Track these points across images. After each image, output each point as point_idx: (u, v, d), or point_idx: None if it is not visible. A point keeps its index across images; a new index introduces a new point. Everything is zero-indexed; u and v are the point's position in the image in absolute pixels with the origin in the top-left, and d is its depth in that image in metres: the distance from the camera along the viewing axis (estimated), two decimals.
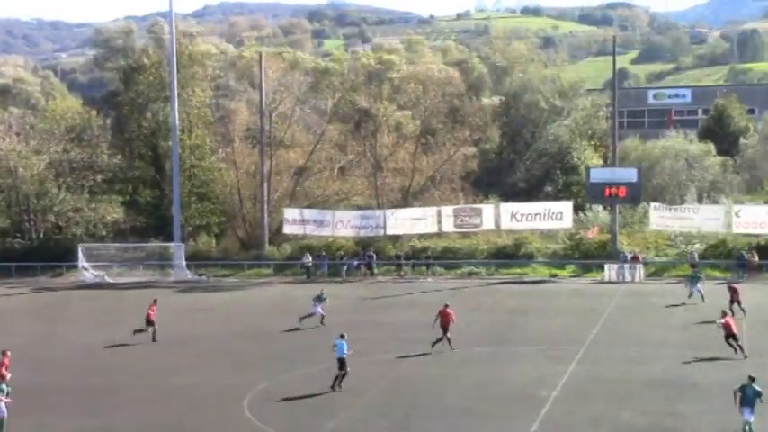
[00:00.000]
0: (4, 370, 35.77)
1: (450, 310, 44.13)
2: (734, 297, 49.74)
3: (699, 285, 54.27)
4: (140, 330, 47.72)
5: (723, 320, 41.35)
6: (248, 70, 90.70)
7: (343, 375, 36.94)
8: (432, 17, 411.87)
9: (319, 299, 51.13)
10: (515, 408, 33.98)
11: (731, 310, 48.40)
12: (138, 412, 34.95)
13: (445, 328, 43.45)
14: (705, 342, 44.06)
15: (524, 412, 33.36)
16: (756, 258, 65.28)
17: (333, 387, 36.69)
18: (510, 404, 34.45)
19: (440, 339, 43.20)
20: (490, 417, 33.10)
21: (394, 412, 33.99)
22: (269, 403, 35.44)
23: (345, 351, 37.06)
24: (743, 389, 30.16)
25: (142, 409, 35.36)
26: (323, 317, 50.35)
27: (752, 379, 30.48)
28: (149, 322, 47.85)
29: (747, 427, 29.74)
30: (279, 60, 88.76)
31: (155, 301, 49.65)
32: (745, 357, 40.26)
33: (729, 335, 40.82)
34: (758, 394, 29.91)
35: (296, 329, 49.91)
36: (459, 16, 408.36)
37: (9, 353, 36.63)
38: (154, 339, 47.58)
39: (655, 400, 34.29)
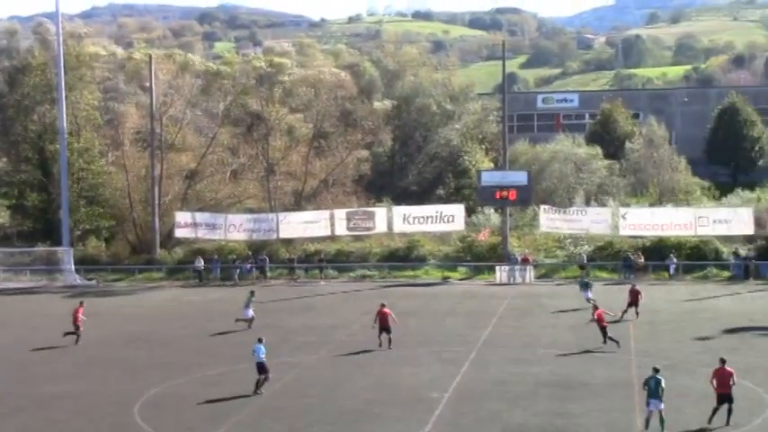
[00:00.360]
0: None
1: (387, 309, 44.83)
2: (633, 300, 50.72)
3: (589, 293, 54.14)
4: (70, 333, 47.46)
5: (596, 314, 43.90)
6: (138, 72, 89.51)
7: (265, 379, 36.92)
8: (323, 20, 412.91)
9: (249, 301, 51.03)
10: (408, 410, 34.17)
11: (626, 312, 49.89)
12: (15, 421, 34.15)
13: (385, 328, 44.23)
14: (594, 342, 44.95)
15: (417, 414, 33.59)
16: (642, 259, 66.86)
17: (255, 392, 36.64)
18: (403, 406, 34.63)
19: (384, 339, 44.30)
20: (383, 419, 33.24)
21: (288, 416, 33.90)
22: (161, 409, 35.05)
23: (262, 355, 37.05)
24: (647, 381, 31.45)
25: (20, 418, 34.57)
26: (252, 319, 50.51)
27: (656, 370, 31.70)
28: (76, 326, 47.57)
29: (659, 417, 30.94)
30: (169, 63, 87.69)
31: (81, 303, 49.29)
32: (604, 343, 42.88)
33: (602, 327, 43.35)
34: (659, 384, 31.07)
35: (189, 334, 49.45)
36: (350, 20, 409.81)
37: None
38: (77, 342, 47.44)
39: (545, 401, 34.83)
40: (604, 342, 43.18)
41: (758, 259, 66.07)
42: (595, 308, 44.74)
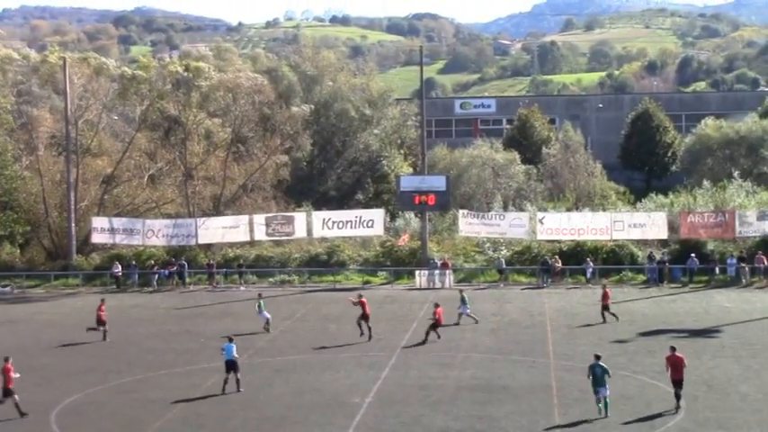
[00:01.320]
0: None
1: (364, 299, 47.90)
2: (604, 302, 51.42)
3: (467, 309, 52.65)
4: (93, 329, 48.81)
5: (437, 311, 47.09)
6: (52, 76, 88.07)
7: (237, 379, 37.50)
8: (240, 25, 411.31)
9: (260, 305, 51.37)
10: (330, 415, 34.17)
11: (603, 315, 50.52)
12: None
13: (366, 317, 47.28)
14: (513, 346, 45.50)
15: (339, 419, 33.62)
16: (559, 264, 67.59)
17: (239, 390, 37.31)
18: (324, 411, 34.62)
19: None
20: (305, 425, 33.19)
21: (209, 423, 33.69)
22: (78, 417, 34.59)
23: (234, 353, 37.69)
24: (592, 368, 33.22)
25: None
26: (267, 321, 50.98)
27: (597, 357, 33.79)
28: (101, 322, 48.69)
29: (603, 402, 32.76)
30: (84, 66, 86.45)
31: (102, 300, 51.09)
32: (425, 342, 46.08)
33: (437, 325, 46.88)
34: (605, 371, 33.19)
35: (106, 341, 48.81)
36: (268, 24, 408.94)
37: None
38: (104, 338, 48.70)
39: (466, 404, 35.07)
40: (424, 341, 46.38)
41: (672, 263, 67.22)
42: (437, 305, 48.01)
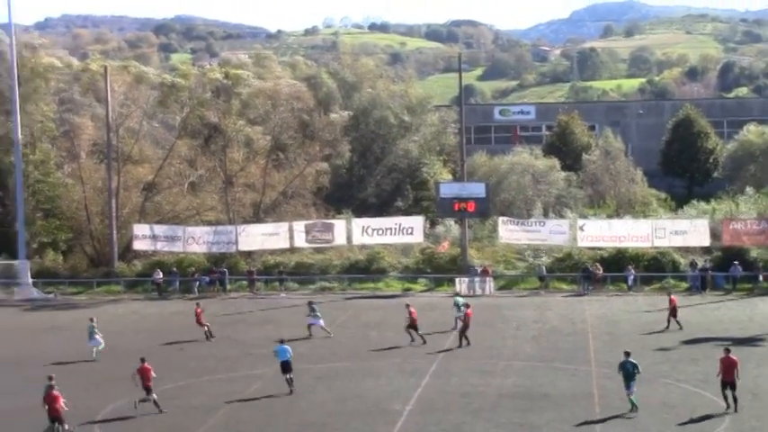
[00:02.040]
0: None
1: (413, 309, 48.46)
2: (671, 308, 51.16)
3: (459, 313, 51.84)
4: (208, 333, 51.28)
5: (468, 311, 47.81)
6: (94, 84, 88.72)
7: (289, 380, 38.34)
8: (280, 32, 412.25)
9: (313, 310, 51.79)
10: (371, 422, 34.17)
11: (668, 322, 50.18)
12: None
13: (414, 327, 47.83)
14: (555, 353, 45.29)
15: (380, 426, 33.62)
16: (600, 271, 67.17)
17: (292, 391, 38.10)
18: (366, 419, 34.61)
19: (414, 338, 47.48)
20: (346, 431, 33.21)
21: (250, 429, 33.80)
22: (121, 423, 34.80)
23: (289, 355, 38.54)
24: (623, 365, 34.14)
25: None
26: (310, 326, 51.50)
27: (627, 354, 34.64)
28: (201, 324, 51.09)
29: (632, 399, 33.65)
30: (125, 74, 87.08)
31: (198, 304, 53.37)
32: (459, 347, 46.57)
33: (466, 326, 47.35)
34: (635, 367, 34.21)
35: (149, 347, 49.02)
36: (307, 32, 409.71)
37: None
38: (209, 338, 51.20)
39: (507, 412, 34.94)
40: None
41: (714, 270, 66.66)
42: (467, 306, 49.09)
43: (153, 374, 36.46)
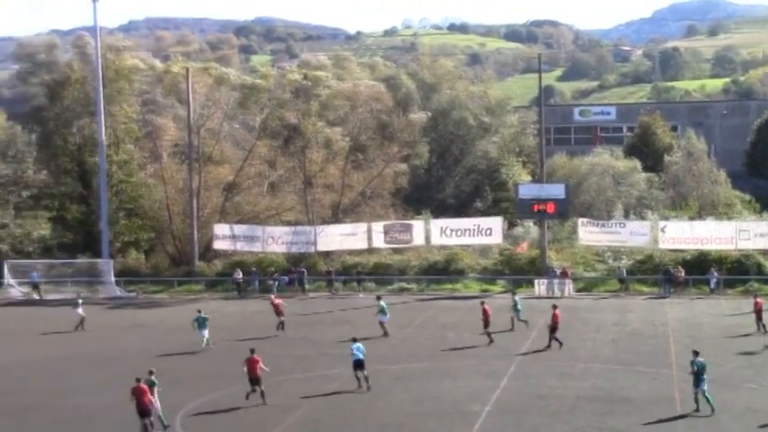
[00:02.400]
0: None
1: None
2: (757, 311, 50.42)
3: (515, 313, 53.23)
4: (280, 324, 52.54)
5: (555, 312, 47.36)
6: (176, 85, 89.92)
7: (365, 377, 38.89)
8: (359, 33, 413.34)
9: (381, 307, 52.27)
10: (449, 423, 34.04)
11: (758, 326, 49.39)
12: None
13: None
14: (635, 356, 44.72)
15: (458, 428, 33.49)
16: (682, 273, 66.24)
17: (369, 388, 38.70)
18: (443, 420, 34.50)
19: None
20: None
21: (327, 429, 33.89)
22: (201, 421, 35.12)
23: (362, 354, 38.88)
24: (693, 363, 34.36)
25: (65, 429, 34.83)
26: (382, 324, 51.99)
27: (696, 353, 34.79)
28: (279, 313, 52.43)
29: (704, 396, 34.00)
30: (206, 76, 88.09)
31: (273, 297, 55.37)
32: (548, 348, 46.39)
33: (554, 328, 46.95)
34: (704, 366, 34.43)
35: (229, 346, 49.50)
36: (386, 33, 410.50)
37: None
38: (280, 328, 53.03)
39: (586, 415, 34.57)
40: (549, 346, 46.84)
41: None
42: (555, 307, 48.14)
43: (261, 366, 37.30)
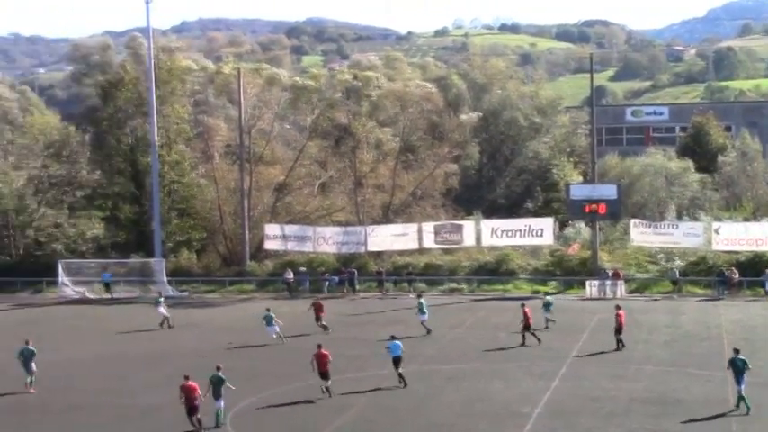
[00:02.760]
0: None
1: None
2: None
3: (547, 313, 53.75)
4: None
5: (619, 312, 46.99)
6: (227, 86, 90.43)
7: (400, 374, 39.57)
8: (410, 34, 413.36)
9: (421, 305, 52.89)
10: (499, 424, 33.94)
11: None
12: (116, 431, 34.81)
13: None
14: (688, 358, 44.29)
15: (508, 429, 33.39)
16: (736, 275, 65.44)
17: (405, 384, 39.38)
18: (494, 421, 34.40)
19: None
20: None
21: (378, 429, 33.91)
22: (253, 420, 35.26)
23: (400, 351, 39.75)
24: (733, 361, 34.72)
25: (120, 428, 35.15)
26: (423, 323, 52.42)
27: (737, 351, 35.22)
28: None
29: (742, 394, 34.30)
30: (257, 76, 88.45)
31: (315, 303, 54.32)
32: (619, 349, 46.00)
33: (619, 329, 46.61)
34: (745, 363, 34.90)
35: (280, 346, 49.72)
36: (437, 33, 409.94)
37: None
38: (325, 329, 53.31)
39: (639, 417, 34.30)
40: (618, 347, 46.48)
41: None
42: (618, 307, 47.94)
43: (330, 360, 38.36)
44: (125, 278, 74.47)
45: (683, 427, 33.02)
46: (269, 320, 51.43)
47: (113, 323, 59.57)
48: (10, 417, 36.87)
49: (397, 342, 40.00)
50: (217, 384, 34.73)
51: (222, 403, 34.67)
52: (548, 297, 55.55)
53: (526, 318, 48.54)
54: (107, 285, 71.87)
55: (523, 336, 48.36)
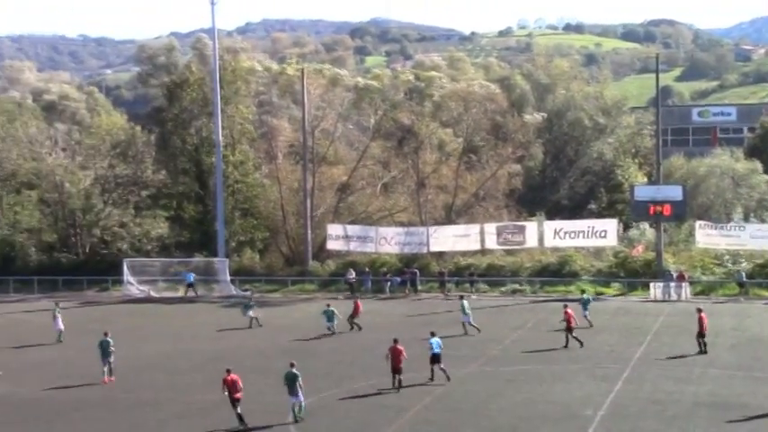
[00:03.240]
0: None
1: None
2: None
3: (586, 311, 53.90)
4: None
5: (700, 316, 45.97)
6: (291, 87, 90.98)
7: (442, 369, 40.42)
8: (473, 34, 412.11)
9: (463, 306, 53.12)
10: (561, 427, 33.71)
11: None
12: (177, 428, 35.22)
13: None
14: (754, 362, 43.65)
15: (571, 431, 33.10)
16: None
17: (448, 379, 40.22)
18: (556, 423, 34.16)
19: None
20: None
21: (439, 430, 33.81)
22: (314, 420, 35.33)
23: (439, 347, 40.63)
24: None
25: (181, 425, 35.46)
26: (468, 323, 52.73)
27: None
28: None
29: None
30: (320, 77, 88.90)
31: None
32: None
33: (701, 332, 45.75)
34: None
35: (340, 346, 49.80)
36: (500, 33, 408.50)
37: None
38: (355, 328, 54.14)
39: (703, 421, 33.85)
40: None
41: None
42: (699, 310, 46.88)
43: (404, 357, 39.17)
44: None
45: (748, 430, 32.52)
46: (329, 316, 52.61)
47: (177, 321, 60.13)
48: (76, 412, 37.36)
49: (436, 339, 40.65)
50: (291, 381, 35.06)
51: (299, 399, 35.09)
52: (584, 295, 55.14)
53: (569, 319, 48.03)
54: (190, 285, 72.49)
55: (567, 338, 47.89)
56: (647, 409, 35.65)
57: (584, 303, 53.98)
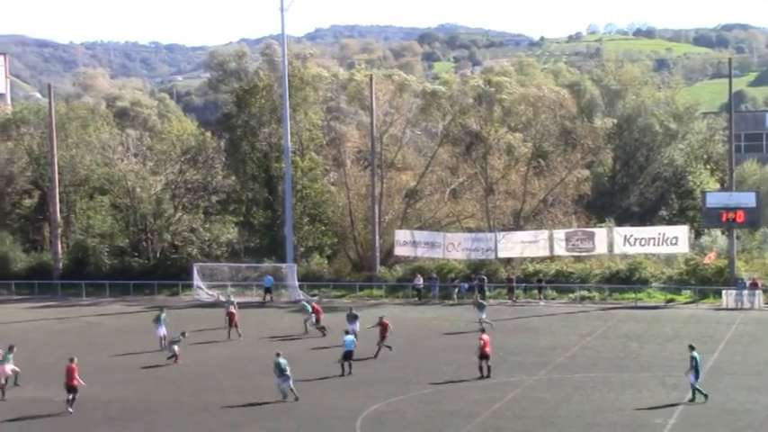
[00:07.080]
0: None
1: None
2: None
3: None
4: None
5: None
6: (359, 93, 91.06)
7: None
8: (543, 39, 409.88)
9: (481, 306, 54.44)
10: None
11: None
12: None
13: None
14: None
15: None
16: None
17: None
18: (625, 431, 33.77)
19: None
20: None
21: None
22: (381, 425, 35.30)
23: (353, 346, 44.35)
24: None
25: (251, 428, 35.61)
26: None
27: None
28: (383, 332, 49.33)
29: None
30: (388, 83, 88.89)
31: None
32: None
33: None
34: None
35: (407, 352, 49.71)
36: (570, 39, 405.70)
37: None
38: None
39: None
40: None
41: None
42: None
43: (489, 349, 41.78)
44: (257, 282, 75.43)
45: None
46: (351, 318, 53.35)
47: (246, 326, 60.41)
48: (143, 416, 37.61)
49: (351, 337, 45.15)
50: (281, 369, 38.78)
51: (288, 382, 38.72)
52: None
53: None
54: (268, 290, 72.91)
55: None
56: (719, 419, 35.10)
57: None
